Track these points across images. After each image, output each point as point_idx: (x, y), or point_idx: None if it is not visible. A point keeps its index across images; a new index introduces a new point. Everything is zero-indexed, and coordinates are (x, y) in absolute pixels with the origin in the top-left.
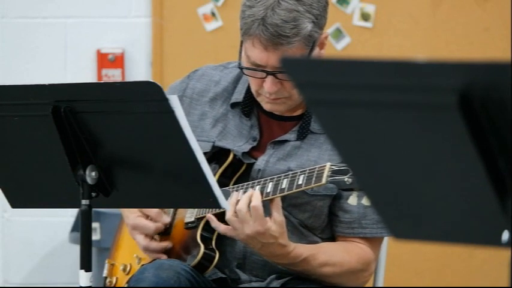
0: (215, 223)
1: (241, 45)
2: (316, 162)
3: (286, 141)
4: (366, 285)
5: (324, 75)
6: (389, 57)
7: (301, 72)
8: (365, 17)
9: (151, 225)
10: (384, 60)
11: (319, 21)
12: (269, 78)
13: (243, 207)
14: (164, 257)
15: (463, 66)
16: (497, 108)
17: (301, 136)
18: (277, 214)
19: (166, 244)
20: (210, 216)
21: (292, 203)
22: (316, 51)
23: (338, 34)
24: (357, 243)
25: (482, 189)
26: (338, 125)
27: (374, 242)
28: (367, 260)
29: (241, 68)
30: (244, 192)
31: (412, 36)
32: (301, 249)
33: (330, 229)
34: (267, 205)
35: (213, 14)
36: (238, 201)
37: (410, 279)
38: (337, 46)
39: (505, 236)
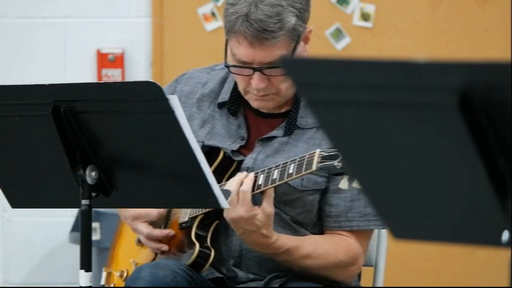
0: None
1: (226, 44)
2: None
3: (273, 137)
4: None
5: (323, 75)
6: (390, 57)
7: (300, 72)
8: (365, 17)
9: (153, 211)
10: (384, 60)
11: (303, 15)
12: (256, 75)
13: (232, 190)
14: (166, 247)
15: (463, 66)
16: (497, 108)
17: (288, 132)
18: (267, 205)
19: (168, 231)
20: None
21: (283, 200)
22: (301, 46)
23: (338, 34)
24: (344, 237)
25: (482, 189)
26: (338, 125)
27: (362, 235)
28: (354, 253)
29: (227, 67)
30: None
31: (412, 36)
32: (284, 241)
33: (320, 224)
34: (258, 198)
35: (213, 14)
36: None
37: (410, 279)
38: (337, 46)
39: (505, 236)
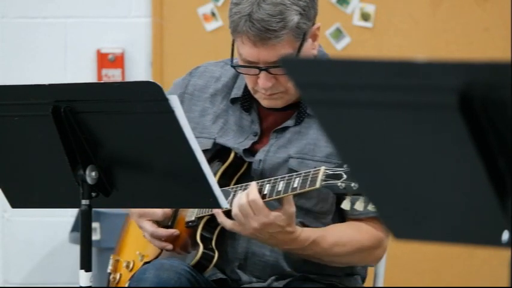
0: (222, 218)
1: (232, 44)
2: (315, 144)
3: (286, 127)
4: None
5: (324, 75)
6: (389, 57)
7: (301, 72)
8: (365, 17)
9: (158, 211)
10: (384, 60)
11: (307, 13)
12: (262, 74)
13: (243, 202)
14: (170, 246)
15: (463, 66)
16: (497, 108)
17: (299, 120)
18: (289, 206)
19: (173, 231)
20: (217, 212)
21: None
22: (309, 43)
23: (338, 34)
24: (366, 222)
25: (482, 189)
26: (338, 125)
27: None
28: (378, 237)
29: (234, 67)
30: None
31: (412, 36)
32: (308, 232)
33: (340, 215)
34: (268, 204)
35: (213, 14)
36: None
37: (410, 279)
38: (337, 46)
39: (505, 236)
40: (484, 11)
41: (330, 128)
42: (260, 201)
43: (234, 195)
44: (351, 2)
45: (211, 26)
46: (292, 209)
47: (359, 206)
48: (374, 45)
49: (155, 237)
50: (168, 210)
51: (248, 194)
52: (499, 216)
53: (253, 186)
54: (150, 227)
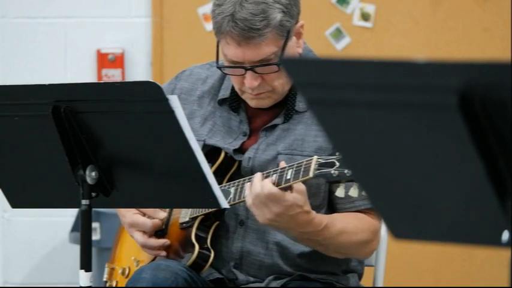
0: (248, 191)
1: (217, 46)
2: (303, 140)
3: (275, 125)
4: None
5: (323, 75)
6: (389, 57)
7: (301, 72)
8: (365, 17)
9: (148, 222)
10: (384, 60)
11: (290, 10)
12: (248, 74)
13: (259, 192)
14: (163, 253)
15: (463, 66)
16: (497, 108)
17: (288, 117)
18: (297, 185)
19: (164, 241)
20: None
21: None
22: (293, 41)
23: (338, 34)
24: (365, 213)
25: (482, 189)
26: (338, 125)
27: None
28: (375, 228)
29: (219, 68)
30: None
31: (412, 36)
32: (321, 216)
33: (331, 210)
34: None
35: None
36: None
37: (410, 279)
38: (337, 46)
39: (505, 236)
40: (483, 11)
41: (330, 128)
42: (275, 189)
43: (235, 191)
44: (351, 2)
45: (211, 26)
46: (302, 186)
47: (353, 192)
48: (374, 45)
49: (146, 247)
50: (157, 221)
51: (263, 187)
52: (499, 216)
53: (266, 181)
54: (140, 237)
